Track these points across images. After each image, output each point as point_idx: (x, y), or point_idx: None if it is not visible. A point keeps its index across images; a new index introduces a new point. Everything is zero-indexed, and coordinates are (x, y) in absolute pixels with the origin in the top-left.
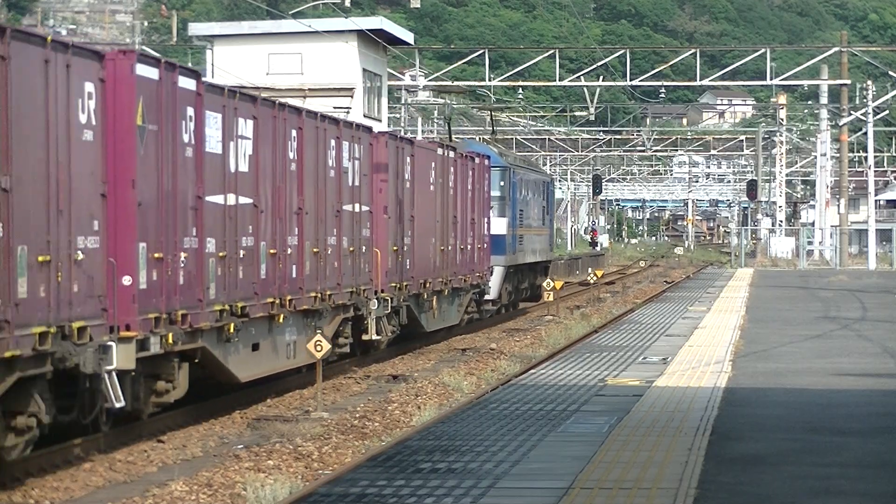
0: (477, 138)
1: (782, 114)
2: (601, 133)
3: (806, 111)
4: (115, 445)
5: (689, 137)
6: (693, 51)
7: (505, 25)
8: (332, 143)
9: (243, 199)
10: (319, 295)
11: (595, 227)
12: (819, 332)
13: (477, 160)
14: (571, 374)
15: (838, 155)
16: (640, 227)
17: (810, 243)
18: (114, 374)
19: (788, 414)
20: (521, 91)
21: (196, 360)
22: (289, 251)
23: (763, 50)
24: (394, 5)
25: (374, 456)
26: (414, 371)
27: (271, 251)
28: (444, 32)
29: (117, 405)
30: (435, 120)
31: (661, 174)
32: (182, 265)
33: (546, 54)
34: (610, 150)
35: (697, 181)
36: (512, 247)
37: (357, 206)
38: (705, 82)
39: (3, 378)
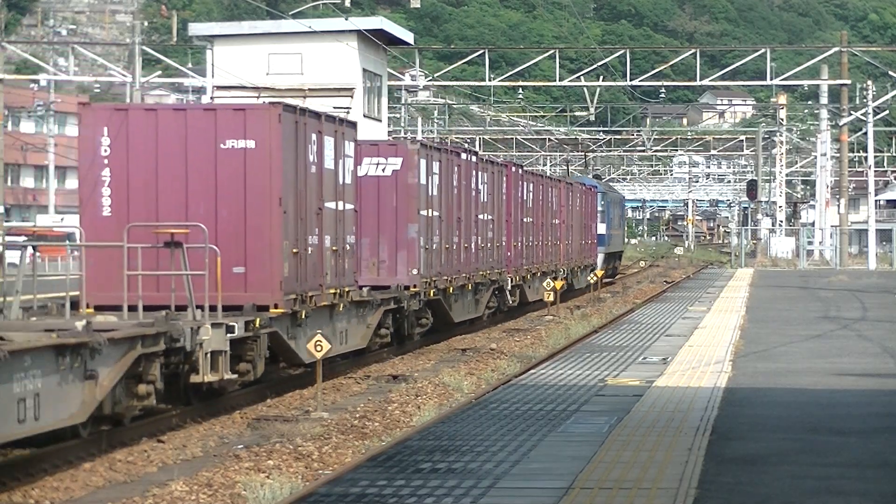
0: (477, 138)
1: (782, 114)
2: (601, 133)
3: (806, 111)
4: (115, 445)
5: (689, 137)
6: (693, 51)
7: (505, 25)
8: (551, 190)
9: (528, 219)
10: (540, 265)
11: None
12: (819, 332)
13: (592, 189)
14: (571, 374)
15: (838, 155)
16: (640, 228)
17: (810, 243)
18: (507, 290)
19: (788, 414)
20: (521, 91)
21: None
22: (539, 244)
23: (763, 50)
24: (394, 5)
25: (374, 456)
26: (414, 371)
27: (536, 244)
28: (444, 32)
29: (510, 304)
30: (435, 120)
31: (661, 174)
32: (521, 248)
33: (546, 54)
34: (610, 150)
35: (697, 181)
36: (607, 241)
37: (556, 220)
38: (705, 82)
39: (489, 289)
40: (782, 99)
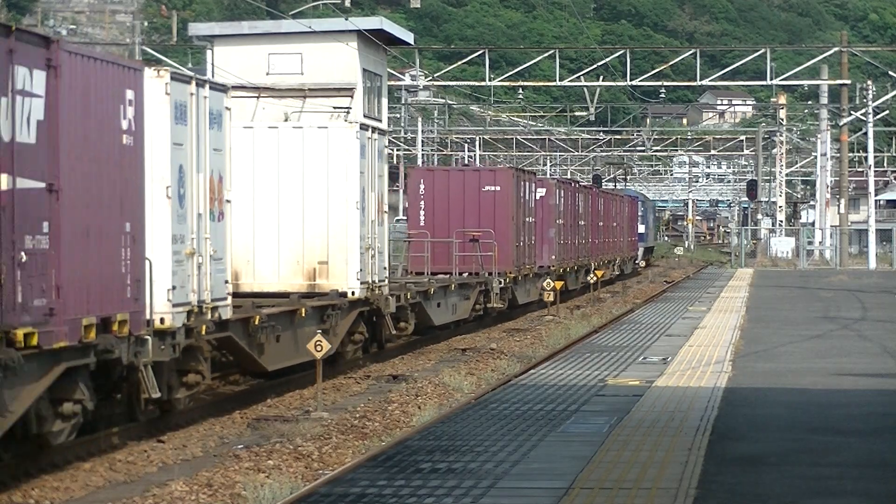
0: (477, 138)
1: (782, 114)
2: (601, 133)
3: (806, 111)
4: (115, 445)
5: (689, 137)
6: (693, 51)
7: (505, 25)
8: (612, 202)
9: (601, 223)
10: (606, 255)
11: None
12: (819, 332)
13: (634, 199)
14: (571, 374)
15: (838, 155)
16: None
17: (810, 243)
18: (591, 272)
19: (788, 414)
20: (521, 91)
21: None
22: (606, 241)
23: (763, 50)
24: (394, 5)
25: (374, 456)
26: (414, 371)
27: (605, 240)
28: (444, 32)
29: (592, 280)
30: (435, 120)
31: (661, 174)
32: (598, 244)
33: (546, 54)
34: (610, 150)
35: (697, 181)
36: (645, 238)
37: (615, 223)
38: (705, 82)
39: (583, 270)
40: (782, 99)
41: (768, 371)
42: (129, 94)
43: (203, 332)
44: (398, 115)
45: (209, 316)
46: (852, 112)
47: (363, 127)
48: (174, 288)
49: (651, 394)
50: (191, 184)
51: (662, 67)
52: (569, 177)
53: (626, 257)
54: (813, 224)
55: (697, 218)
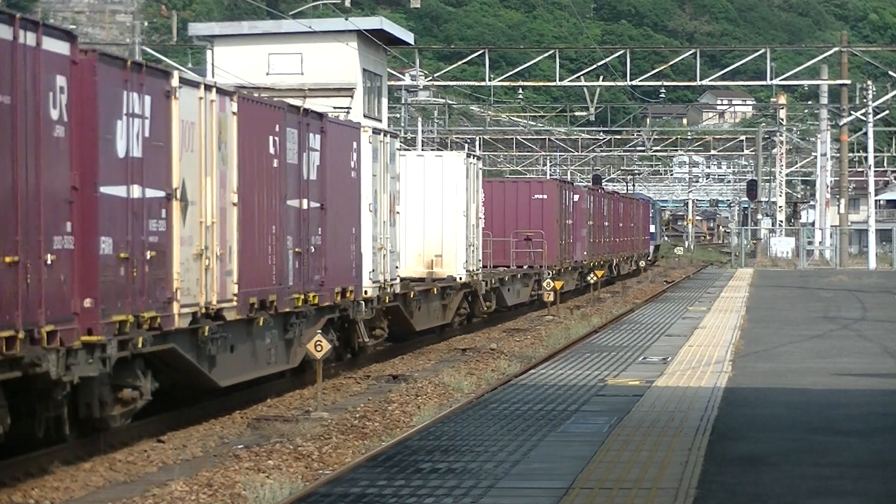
0: (477, 138)
1: (782, 114)
2: (601, 133)
3: (806, 111)
4: (115, 445)
5: (689, 137)
6: (693, 51)
7: (505, 25)
8: (630, 205)
9: (621, 224)
10: (625, 252)
11: None
12: (819, 332)
13: (646, 202)
14: (571, 374)
15: (838, 155)
16: None
17: (810, 243)
18: (613, 266)
19: (788, 414)
20: (521, 91)
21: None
22: (625, 239)
23: (763, 50)
24: (394, 5)
25: (374, 456)
26: (414, 371)
27: (624, 239)
28: (444, 32)
29: (614, 275)
30: (435, 120)
31: (661, 174)
32: (618, 241)
33: (546, 54)
34: (610, 150)
35: (697, 181)
36: (655, 238)
37: (632, 224)
38: (705, 82)
39: (606, 265)
40: (782, 99)
41: (768, 371)
42: (354, 145)
43: (386, 301)
44: (398, 115)
45: (388, 290)
46: (852, 112)
47: (468, 155)
48: (372, 271)
49: (651, 394)
50: (379, 201)
51: (662, 67)
52: (568, 178)
53: (640, 254)
54: (813, 224)
55: (697, 218)
